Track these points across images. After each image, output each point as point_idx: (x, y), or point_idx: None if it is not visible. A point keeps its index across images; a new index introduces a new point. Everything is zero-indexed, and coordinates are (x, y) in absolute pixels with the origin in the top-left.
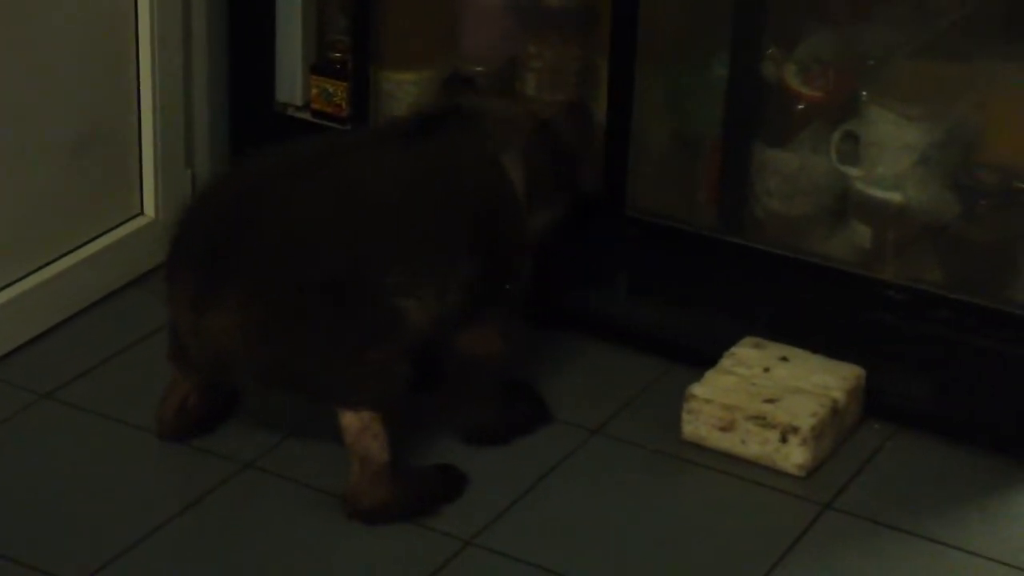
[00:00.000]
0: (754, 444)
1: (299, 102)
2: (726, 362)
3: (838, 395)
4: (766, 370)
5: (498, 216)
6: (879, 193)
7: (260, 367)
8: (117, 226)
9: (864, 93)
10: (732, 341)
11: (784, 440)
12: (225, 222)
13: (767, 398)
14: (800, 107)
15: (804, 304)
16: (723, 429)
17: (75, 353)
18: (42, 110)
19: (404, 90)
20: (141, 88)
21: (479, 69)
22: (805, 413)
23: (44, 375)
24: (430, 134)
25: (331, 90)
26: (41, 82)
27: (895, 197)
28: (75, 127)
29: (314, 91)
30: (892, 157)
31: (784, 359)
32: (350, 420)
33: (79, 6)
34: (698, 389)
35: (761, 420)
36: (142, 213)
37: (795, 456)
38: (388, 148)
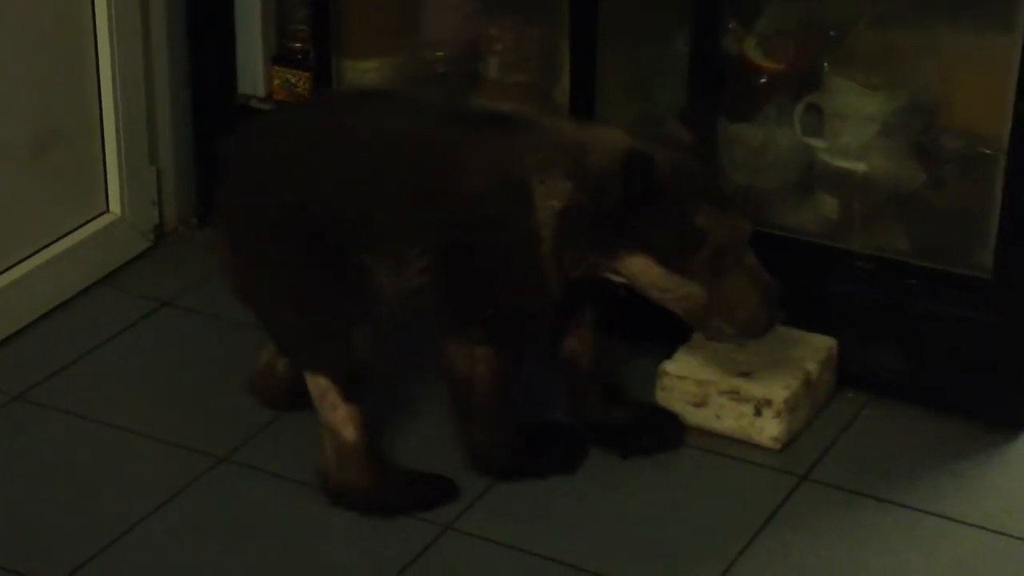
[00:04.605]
0: (729, 419)
1: (262, 93)
2: (697, 337)
3: (811, 367)
4: (738, 344)
5: (485, 230)
6: (844, 164)
7: (238, 292)
8: (83, 224)
9: (825, 64)
10: None
11: (758, 413)
12: (243, 153)
13: (740, 372)
14: (762, 80)
15: (773, 277)
16: (697, 405)
17: (46, 353)
18: (1, 111)
19: (367, 78)
20: (102, 85)
21: (440, 54)
22: (778, 386)
23: (15, 377)
24: (468, 127)
25: (293, 80)
26: None
27: (860, 167)
28: (36, 127)
29: (276, 82)
30: (855, 127)
31: None
32: (311, 384)
33: (34, 4)
34: (671, 366)
35: (735, 394)
36: (108, 211)
37: (770, 429)
38: (427, 119)
